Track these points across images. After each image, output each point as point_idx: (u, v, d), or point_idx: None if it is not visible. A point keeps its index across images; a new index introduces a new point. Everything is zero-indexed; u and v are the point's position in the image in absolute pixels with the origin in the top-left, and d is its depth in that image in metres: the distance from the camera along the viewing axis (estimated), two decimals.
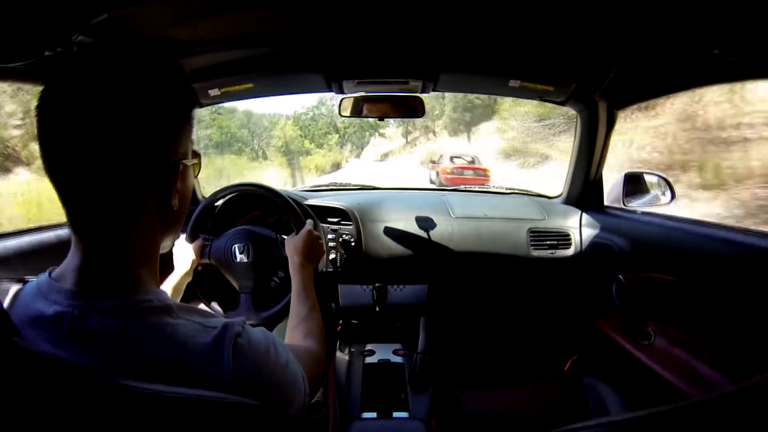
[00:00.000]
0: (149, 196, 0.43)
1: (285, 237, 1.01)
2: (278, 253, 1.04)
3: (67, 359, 0.35)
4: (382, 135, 30.37)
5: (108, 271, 0.41)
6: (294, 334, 0.69)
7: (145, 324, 0.40)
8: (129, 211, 0.42)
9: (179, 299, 0.85)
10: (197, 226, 1.07)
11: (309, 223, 0.96)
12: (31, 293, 0.43)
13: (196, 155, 0.50)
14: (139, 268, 0.43)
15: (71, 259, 0.42)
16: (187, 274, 0.97)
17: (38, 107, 0.38)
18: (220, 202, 1.17)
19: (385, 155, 27.08)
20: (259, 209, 1.28)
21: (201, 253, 1.03)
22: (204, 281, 1.07)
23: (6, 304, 0.44)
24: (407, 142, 26.86)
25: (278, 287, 1.07)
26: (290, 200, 1.08)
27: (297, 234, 0.93)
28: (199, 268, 1.04)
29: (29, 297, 0.43)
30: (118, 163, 0.39)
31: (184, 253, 1.00)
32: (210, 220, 1.17)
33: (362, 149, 31.75)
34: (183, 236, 1.04)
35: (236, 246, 1.04)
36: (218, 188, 1.12)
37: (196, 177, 0.53)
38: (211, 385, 0.39)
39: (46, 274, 0.44)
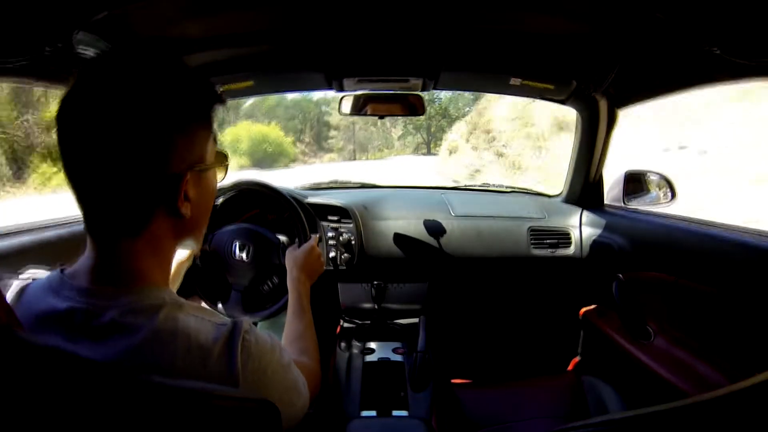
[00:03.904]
0: (157, 206, 0.43)
1: (286, 245, 1.04)
2: (278, 260, 1.04)
3: (77, 354, 0.35)
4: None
5: (120, 271, 0.43)
6: (290, 350, 0.70)
7: (159, 320, 0.41)
8: (136, 218, 0.43)
9: (178, 285, 0.85)
10: None
11: (314, 237, 0.94)
12: (41, 289, 0.44)
13: (222, 157, 0.50)
14: (151, 270, 0.44)
15: (86, 259, 0.43)
16: (186, 259, 0.96)
17: (57, 118, 0.41)
18: (219, 200, 1.17)
19: None
20: (259, 207, 1.28)
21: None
22: (199, 275, 1.09)
23: (10, 298, 0.44)
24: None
25: (270, 293, 1.08)
26: (299, 208, 1.08)
27: (300, 246, 0.92)
28: (199, 254, 1.04)
29: (39, 293, 0.44)
30: (119, 173, 0.40)
31: None
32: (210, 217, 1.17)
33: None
34: None
35: (237, 243, 1.05)
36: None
37: (223, 179, 0.54)
38: (220, 380, 0.41)
39: (58, 271, 0.44)
